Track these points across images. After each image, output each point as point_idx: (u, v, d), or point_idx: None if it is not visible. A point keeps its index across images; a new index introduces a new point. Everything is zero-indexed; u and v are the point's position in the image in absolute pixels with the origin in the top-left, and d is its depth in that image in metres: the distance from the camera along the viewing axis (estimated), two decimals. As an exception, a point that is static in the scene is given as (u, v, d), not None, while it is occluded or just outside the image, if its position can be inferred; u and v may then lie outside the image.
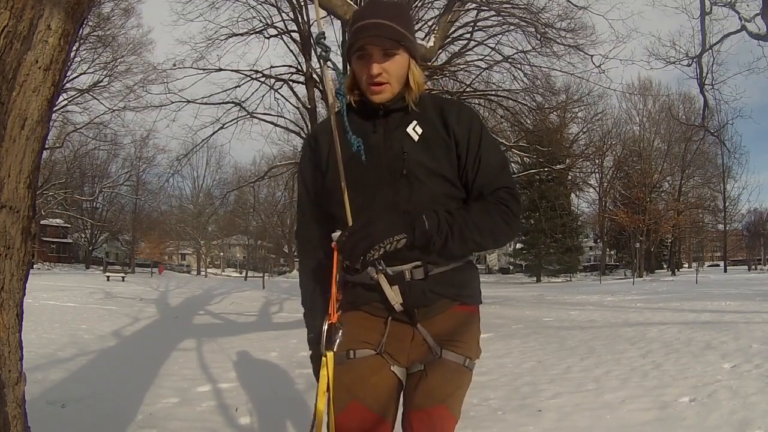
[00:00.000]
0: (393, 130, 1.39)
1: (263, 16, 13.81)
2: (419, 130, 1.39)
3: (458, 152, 1.39)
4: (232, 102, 14.10)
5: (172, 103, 13.67)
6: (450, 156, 1.38)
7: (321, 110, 14.09)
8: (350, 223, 1.31)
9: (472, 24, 13.34)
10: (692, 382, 4.15)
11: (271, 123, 15.32)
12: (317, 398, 1.30)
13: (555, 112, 15.61)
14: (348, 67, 1.46)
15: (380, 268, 1.31)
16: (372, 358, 1.38)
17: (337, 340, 1.30)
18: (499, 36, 13.34)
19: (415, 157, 1.35)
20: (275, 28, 14.04)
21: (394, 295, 1.34)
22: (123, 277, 28.42)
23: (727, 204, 42.56)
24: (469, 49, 13.90)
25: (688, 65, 11.48)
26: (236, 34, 13.60)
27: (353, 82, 1.41)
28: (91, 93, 25.36)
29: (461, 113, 1.44)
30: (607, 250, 48.00)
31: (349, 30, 1.39)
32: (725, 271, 39.86)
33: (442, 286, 1.37)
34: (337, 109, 1.40)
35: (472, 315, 1.45)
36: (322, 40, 1.35)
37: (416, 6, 12.34)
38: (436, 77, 12.97)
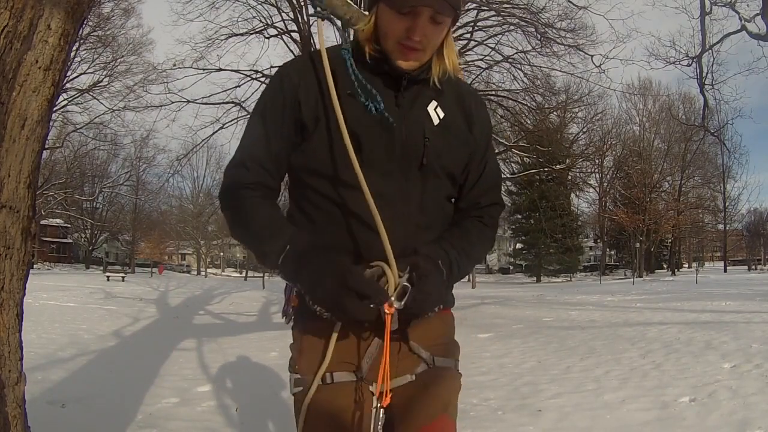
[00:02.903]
0: (411, 106, 1.14)
1: (263, 16, 13.80)
2: (440, 114, 1.16)
3: (470, 150, 1.21)
4: (232, 102, 14.08)
5: (172, 103, 13.66)
6: (464, 152, 1.20)
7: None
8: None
9: (472, 24, 13.34)
10: (692, 382, 4.15)
11: (271, 123, 15.30)
12: None
13: (555, 112, 15.62)
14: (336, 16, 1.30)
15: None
16: (353, 383, 1.15)
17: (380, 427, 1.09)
18: (499, 36, 13.36)
19: (435, 147, 1.14)
20: (275, 28, 14.03)
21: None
22: (123, 277, 28.43)
23: (727, 204, 42.58)
24: (469, 49, 13.90)
25: (688, 65, 11.48)
26: (236, 34, 13.58)
27: (373, 31, 1.11)
28: (91, 93, 25.35)
29: (479, 104, 1.25)
30: (607, 250, 48.00)
31: None
32: (725, 271, 39.85)
33: None
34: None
35: (449, 316, 1.30)
36: None
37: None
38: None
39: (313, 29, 13.02)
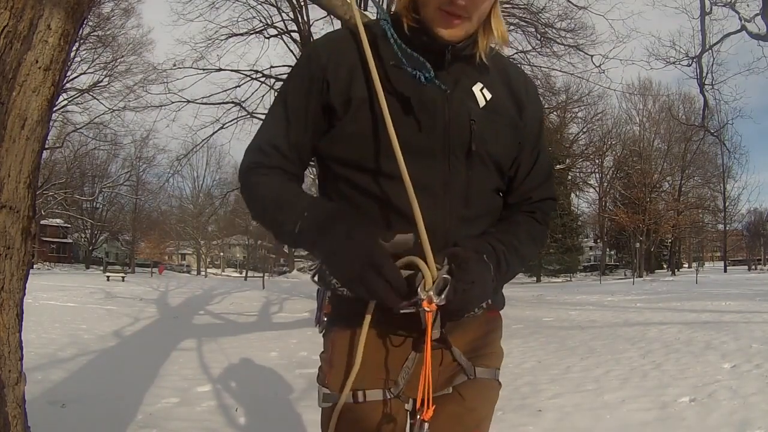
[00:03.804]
0: (454, 85, 1.01)
1: (263, 16, 13.84)
2: (487, 95, 1.03)
3: (520, 138, 1.07)
4: (232, 102, 14.12)
5: (172, 103, 13.73)
6: (513, 140, 1.06)
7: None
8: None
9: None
10: (692, 382, 4.15)
11: (271, 123, 15.30)
12: None
13: (555, 112, 15.65)
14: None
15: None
16: (387, 402, 1.02)
17: None
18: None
19: (481, 132, 1.00)
20: (275, 28, 14.06)
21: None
22: (123, 277, 28.40)
23: (727, 204, 42.58)
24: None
25: (688, 65, 11.52)
26: (236, 34, 13.63)
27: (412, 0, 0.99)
28: (91, 93, 25.43)
29: (529, 86, 1.12)
30: (607, 250, 48.00)
31: None
32: (725, 271, 39.87)
33: None
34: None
35: (497, 320, 1.17)
36: None
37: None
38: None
39: (314, 29, 13.02)
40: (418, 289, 0.89)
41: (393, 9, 1.06)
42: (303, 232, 0.93)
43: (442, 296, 0.88)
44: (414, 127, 0.97)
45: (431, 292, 0.88)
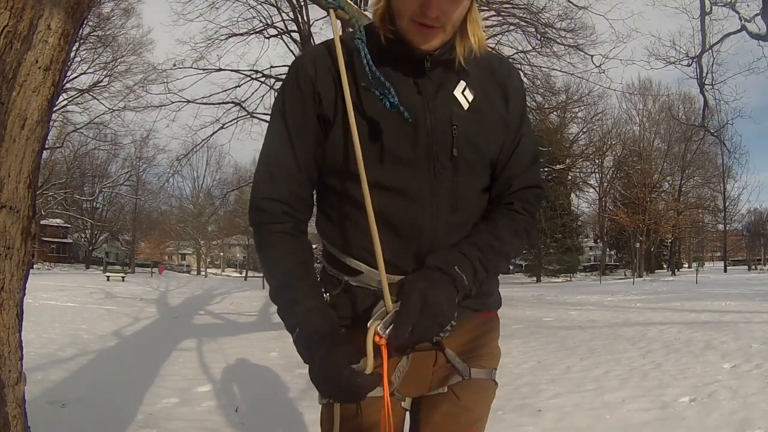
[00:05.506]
0: (436, 92, 1.01)
1: (263, 16, 13.81)
2: (469, 96, 1.03)
3: (508, 129, 1.08)
4: (232, 102, 14.09)
5: (172, 103, 13.69)
6: (501, 134, 1.07)
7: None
8: (369, 213, 0.95)
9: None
10: (692, 382, 4.15)
11: (271, 123, 15.28)
12: None
13: (555, 112, 15.65)
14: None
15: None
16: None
17: None
18: (499, 36, 13.37)
19: (466, 134, 1.01)
20: (275, 28, 14.04)
21: None
22: (123, 277, 28.43)
23: (727, 204, 42.58)
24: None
25: (688, 65, 11.55)
26: (236, 34, 13.60)
27: (386, 10, 0.98)
28: (91, 93, 25.43)
29: (512, 73, 1.12)
30: (607, 250, 47.99)
31: None
32: (725, 271, 39.86)
33: (468, 298, 1.02)
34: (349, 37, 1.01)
35: (493, 320, 1.18)
36: None
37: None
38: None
39: (314, 29, 13.03)
40: (369, 322, 0.91)
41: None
42: (296, 344, 1.01)
43: (387, 332, 0.89)
44: (397, 138, 0.99)
45: (378, 327, 0.89)
